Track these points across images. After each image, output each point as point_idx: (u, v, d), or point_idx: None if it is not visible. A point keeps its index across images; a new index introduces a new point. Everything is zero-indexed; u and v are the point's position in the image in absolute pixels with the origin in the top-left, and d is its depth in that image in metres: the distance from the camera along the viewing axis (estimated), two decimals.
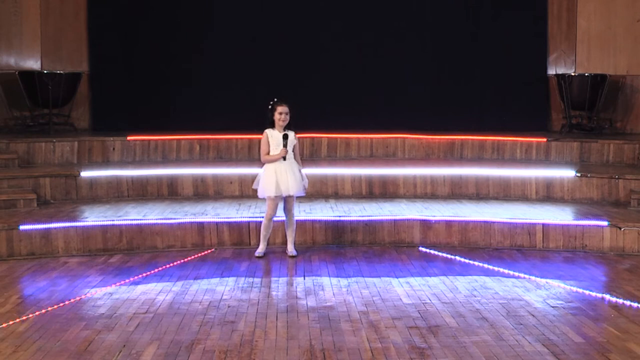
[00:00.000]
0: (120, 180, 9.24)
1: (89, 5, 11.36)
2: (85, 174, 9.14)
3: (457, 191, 9.46)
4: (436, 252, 8.04)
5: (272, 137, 7.67)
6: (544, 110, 11.68)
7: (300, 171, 7.79)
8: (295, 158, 7.79)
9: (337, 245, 8.27)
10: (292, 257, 7.75)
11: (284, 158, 7.63)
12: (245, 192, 9.30)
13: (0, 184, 8.79)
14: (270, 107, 7.70)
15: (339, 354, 5.07)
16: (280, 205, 7.79)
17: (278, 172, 7.63)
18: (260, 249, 7.80)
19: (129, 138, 10.09)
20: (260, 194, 7.79)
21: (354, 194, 9.47)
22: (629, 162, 9.95)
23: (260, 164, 7.86)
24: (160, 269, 7.32)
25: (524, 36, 11.55)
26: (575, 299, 6.37)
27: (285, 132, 7.65)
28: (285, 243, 7.96)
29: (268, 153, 7.69)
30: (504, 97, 11.50)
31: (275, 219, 7.82)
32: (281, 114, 7.63)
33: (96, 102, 11.39)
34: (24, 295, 6.47)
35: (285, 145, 7.61)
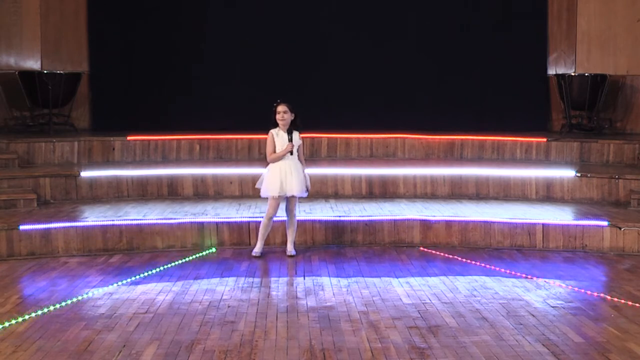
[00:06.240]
0: (120, 180, 9.24)
1: (89, 5, 11.36)
2: (85, 174, 9.14)
3: (457, 191, 9.46)
4: (436, 252, 8.04)
5: (278, 137, 7.71)
6: (544, 110, 11.68)
7: (303, 172, 7.81)
8: (299, 159, 7.81)
9: (337, 245, 8.27)
10: (291, 256, 7.75)
11: (291, 153, 7.65)
12: (245, 192, 9.30)
13: (0, 184, 8.79)
14: (274, 108, 7.76)
15: (339, 354, 5.08)
16: (282, 205, 7.80)
17: (282, 171, 7.65)
18: (258, 249, 7.80)
19: (129, 138, 10.10)
20: (263, 194, 7.80)
21: (354, 194, 9.47)
22: (629, 162, 9.95)
23: (264, 164, 7.87)
24: (160, 269, 7.32)
25: (523, 36, 11.55)
26: (575, 299, 6.37)
27: (293, 129, 7.71)
28: (285, 243, 7.96)
29: (274, 152, 7.71)
30: (503, 97, 11.50)
31: (275, 218, 7.83)
32: (279, 112, 7.67)
33: (96, 102, 11.39)
34: (24, 295, 6.47)
35: (290, 140, 7.64)
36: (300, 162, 7.82)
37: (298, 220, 7.99)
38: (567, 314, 5.95)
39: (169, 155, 10.16)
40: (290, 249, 7.84)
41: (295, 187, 7.65)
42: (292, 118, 7.76)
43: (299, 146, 7.79)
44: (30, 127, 10.82)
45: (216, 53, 11.43)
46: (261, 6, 11.48)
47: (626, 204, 8.88)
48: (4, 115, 11.05)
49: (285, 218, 7.85)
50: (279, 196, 7.65)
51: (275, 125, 7.75)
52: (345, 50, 11.49)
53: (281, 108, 7.70)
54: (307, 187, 7.84)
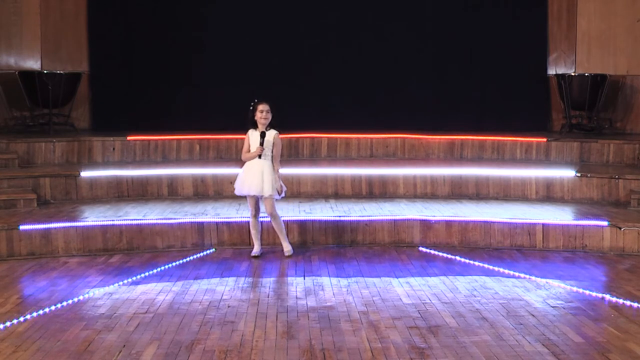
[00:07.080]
0: (120, 180, 9.24)
1: (89, 5, 11.36)
2: (85, 174, 9.14)
3: (457, 191, 9.46)
4: (436, 252, 8.04)
5: (252, 137, 7.72)
6: (544, 110, 11.68)
7: (274, 174, 7.66)
8: (273, 159, 7.71)
9: (337, 245, 8.26)
10: (289, 256, 7.74)
11: (259, 156, 7.62)
12: None
13: (0, 184, 8.79)
14: (251, 107, 7.74)
15: (339, 354, 5.08)
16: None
17: (248, 171, 7.67)
18: (255, 249, 7.80)
19: (129, 138, 10.10)
20: (235, 191, 7.83)
21: (354, 194, 9.46)
22: (629, 162, 9.95)
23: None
24: (160, 269, 7.32)
25: (524, 36, 11.55)
26: (575, 299, 6.37)
27: (265, 130, 7.65)
28: None
29: (248, 151, 7.73)
30: (504, 97, 11.50)
31: (262, 219, 7.83)
32: (262, 111, 7.66)
33: (96, 102, 11.39)
34: (24, 295, 6.47)
35: (261, 144, 7.61)
36: (274, 163, 7.71)
37: (298, 220, 7.98)
38: (567, 314, 5.95)
39: (169, 155, 10.16)
40: (286, 249, 7.81)
41: (253, 187, 7.59)
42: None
43: (273, 146, 7.72)
44: (30, 127, 10.82)
45: (216, 52, 11.42)
46: (261, 6, 11.47)
47: (626, 204, 8.88)
48: (4, 115, 11.04)
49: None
50: (250, 195, 7.63)
51: (252, 125, 7.72)
52: (345, 51, 11.49)
53: (264, 107, 7.67)
54: (277, 189, 7.66)
